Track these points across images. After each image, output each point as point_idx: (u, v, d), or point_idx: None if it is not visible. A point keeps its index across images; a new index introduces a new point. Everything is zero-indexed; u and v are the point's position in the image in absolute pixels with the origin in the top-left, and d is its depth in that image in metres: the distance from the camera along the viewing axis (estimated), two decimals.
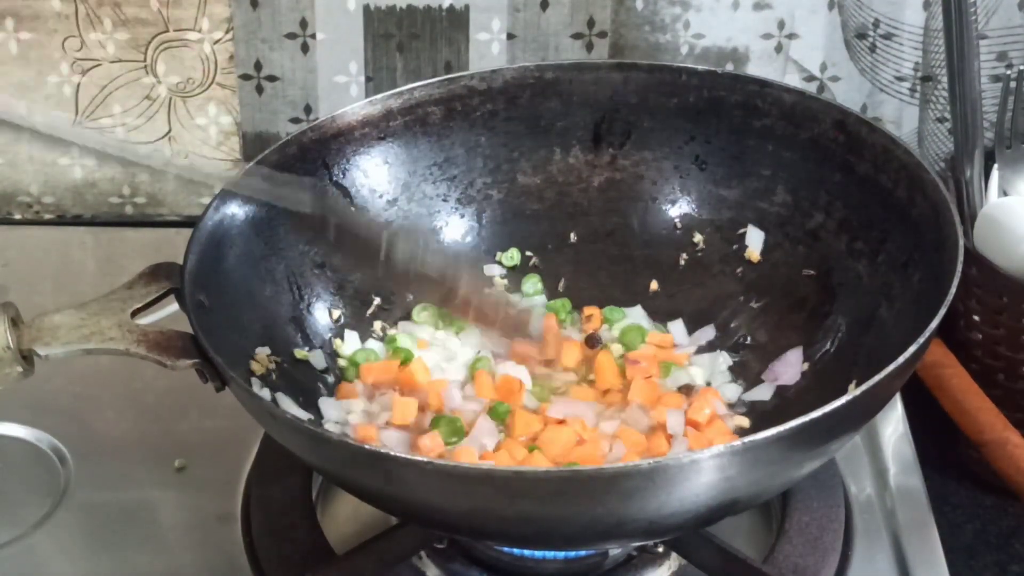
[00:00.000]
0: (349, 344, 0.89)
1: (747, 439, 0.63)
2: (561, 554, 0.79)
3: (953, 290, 0.71)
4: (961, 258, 0.73)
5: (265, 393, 0.79)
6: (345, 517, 0.85)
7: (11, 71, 1.10)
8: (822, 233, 0.87)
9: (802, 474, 0.73)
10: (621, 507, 0.65)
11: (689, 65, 0.91)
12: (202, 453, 0.89)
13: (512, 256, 0.94)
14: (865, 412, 0.70)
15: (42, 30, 1.09)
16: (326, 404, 0.84)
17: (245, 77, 1.10)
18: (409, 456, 0.67)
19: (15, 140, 1.13)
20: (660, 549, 0.80)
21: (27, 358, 0.73)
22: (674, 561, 0.81)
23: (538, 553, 0.79)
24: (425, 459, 0.66)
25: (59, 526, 0.85)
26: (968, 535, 0.89)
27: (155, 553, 0.83)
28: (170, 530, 0.85)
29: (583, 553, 0.79)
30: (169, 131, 1.12)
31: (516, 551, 0.79)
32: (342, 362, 0.88)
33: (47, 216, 1.16)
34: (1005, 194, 0.94)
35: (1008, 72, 0.96)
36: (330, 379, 0.87)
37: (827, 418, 0.65)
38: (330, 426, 0.83)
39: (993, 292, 0.90)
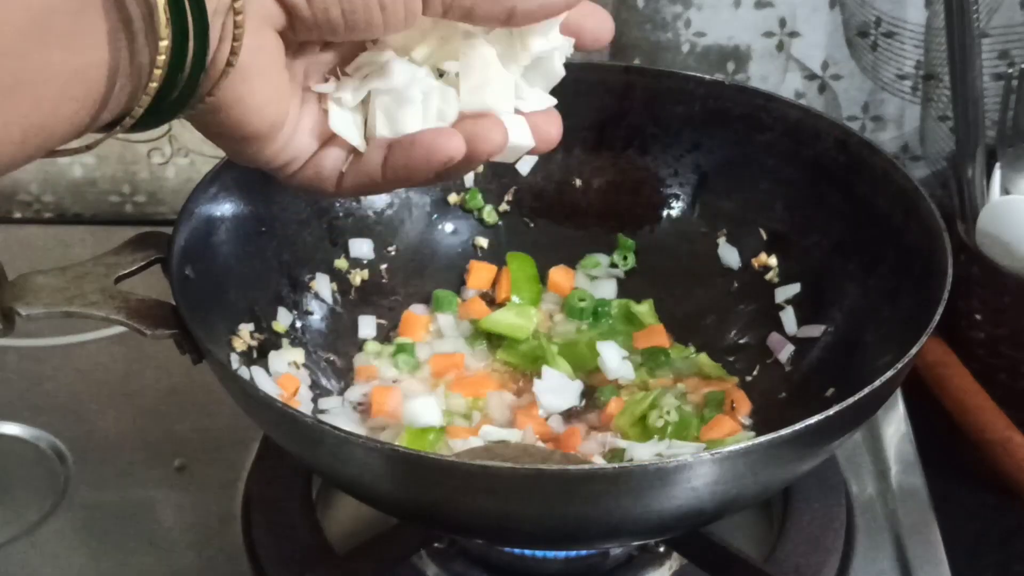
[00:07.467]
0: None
1: (698, 456, 0.62)
2: (562, 553, 0.79)
3: (937, 318, 0.70)
4: (948, 287, 0.72)
5: (244, 371, 0.79)
6: (345, 517, 0.85)
7: None
8: (816, 251, 0.87)
9: (770, 488, 0.74)
10: (587, 508, 0.64)
11: (697, 74, 0.90)
12: (202, 453, 0.89)
13: (490, 213, 0.94)
14: (839, 430, 0.69)
15: None
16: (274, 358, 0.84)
17: None
18: (375, 441, 0.66)
19: None
20: (661, 549, 0.80)
21: (8, 316, 0.72)
22: (675, 561, 0.80)
23: (539, 552, 0.79)
24: (396, 447, 0.65)
25: (59, 526, 0.85)
26: (970, 534, 0.89)
27: (155, 553, 0.83)
28: (170, 530, 0.84)
29: (584, 553, 0.79)
30: (169, 130, 1.12)
31: (516, 550, 0.79)
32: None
33: (47, 215, 1.16)
34: (1007, 192, 0.94)
35: (1010, 70, 0.96)
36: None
37: (798, 435, 0.64)
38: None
39: (995, 291, 0.90)
